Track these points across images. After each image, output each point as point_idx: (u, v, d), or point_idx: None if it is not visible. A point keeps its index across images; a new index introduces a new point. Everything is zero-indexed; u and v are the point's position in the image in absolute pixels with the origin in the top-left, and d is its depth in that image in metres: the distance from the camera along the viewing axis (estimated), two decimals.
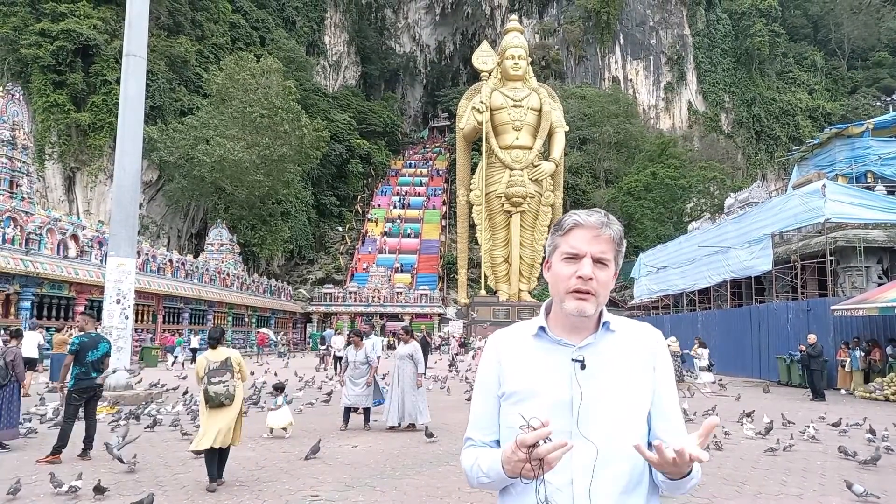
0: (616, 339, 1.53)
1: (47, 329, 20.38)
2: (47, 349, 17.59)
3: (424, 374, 11.15)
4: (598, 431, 1.42)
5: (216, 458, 6.32)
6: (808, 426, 9.49)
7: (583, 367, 1.46)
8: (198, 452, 6.57)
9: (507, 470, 1.37)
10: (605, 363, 1.48)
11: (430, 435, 8.73)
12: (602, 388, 1.45)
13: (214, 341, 6.54)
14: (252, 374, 19.63)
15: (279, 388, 9.55)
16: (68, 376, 7.54)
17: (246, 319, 40.97)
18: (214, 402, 6.16)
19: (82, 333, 7.91)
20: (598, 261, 1.48)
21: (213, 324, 35.57)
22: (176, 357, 26.21)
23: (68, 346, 7.90)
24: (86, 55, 42.22)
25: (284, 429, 9.21)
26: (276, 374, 20.00)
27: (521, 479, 1.35)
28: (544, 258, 1.64)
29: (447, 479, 6.63)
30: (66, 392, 7.53)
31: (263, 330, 40.02)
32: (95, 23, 42.61)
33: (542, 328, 1.54)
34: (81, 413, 7.73)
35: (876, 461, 7.36)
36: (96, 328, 8.42)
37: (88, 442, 7.56)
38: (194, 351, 27.50)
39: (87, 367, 7.54)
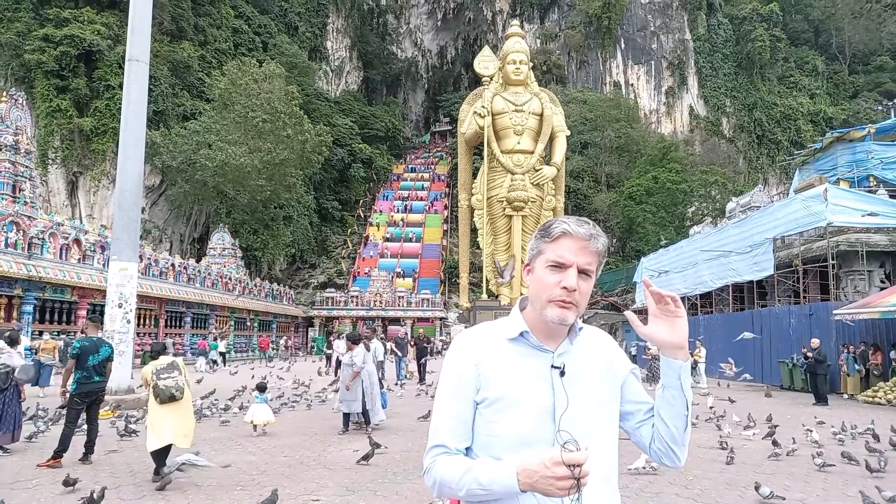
0: (582, 342, 1.56)
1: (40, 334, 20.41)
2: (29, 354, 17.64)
3: (382, 377, 11.22)
4: (579, 437, 1.39)
5: (167, 453, 6.54)
6: (812, 431, 9.47)
7: (562, 374, 1.47)
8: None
9: (525, 484, 1.30)
10: (580, 369, 1.51)
11: (376, 445, 8.01)
12: (579, 394, 1.48)
13: (157, 353, 7.06)
14: (257, 377, 19.73)
15: (261, 388, 10.18)
16: (70, 381, 7.55)
17: (248, 324, 40.99)
18: (165, 395, 6.43)
19: (84, 337, 7.91)
20: (582, 272, 1.49)
21: (215, 328, 35.73)
22: (214, 360, 27.58)
23: (70, 350, 7.88)
24: (89, 60, 42.36)
25: (255, 425, 9.66)
26: (280, 378, 20.07)
27: (537, 494, 1.33)
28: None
29: None
30: (67, 396, 7.53)
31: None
32: (98, 28, 42.76)
33: (522, 333, 1.53)
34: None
35: (884, 465, 7.33)
36: (99, 333, 8.41)
37: (89, 446, 7.55)
38: (223, 354, 29.69)
39: (88, 371, 7.53)
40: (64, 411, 7.92)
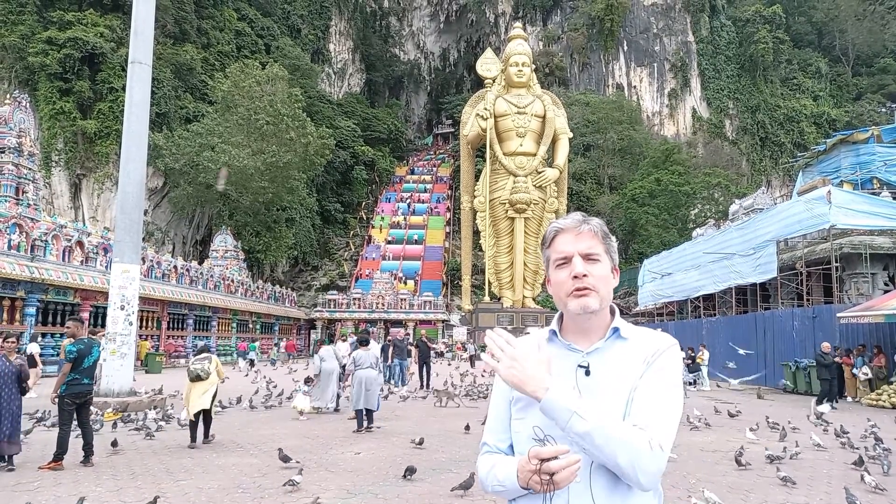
0: (627, 346, 1.51)
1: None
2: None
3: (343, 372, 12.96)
4: None
5: (198, 426, 8.86)
6: (813, 435, 9.43)
7: (587, 373, 1.47)
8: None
9: (520, 479, 1.40)
10: (611, 370, 1.47)
11: (285, 458, 7.43)
12: (603, 394, 1.44)
13: (200, 351, 9.61)
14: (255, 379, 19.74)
15: (308, 381, 12.63)
16: (61, 383, 7.46)
17: (250, 326, 41.01)
18: (192, 375, 8.85)
19: (77, 340, 7.77)
20: (587, 257, 1.51)
21: (217, 330, 35.81)
22: (252, 361, 29.95)
23: (66, 354, 7.66)
24: (92, 63, 42.50)
25: (301, 411, 11.93)
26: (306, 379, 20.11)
27: (530, 491, 1.40)
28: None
29: (450, 486, 6.60)
30: (59, 399, 7.43)
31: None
32: (102, 31, 42.91)
33: (553, 332, 1.56)
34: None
35: (888, 470, 7.30)
36: (87, 333, 8.36)
37: (88, 448, 7.51)
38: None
39: (80, 373, 7.53)
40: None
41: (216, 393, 9.21)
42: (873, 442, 8.96)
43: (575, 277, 1.49)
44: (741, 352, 20.86)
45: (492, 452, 1.57)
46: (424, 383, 18.52)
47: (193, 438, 8.75)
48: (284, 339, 45.05)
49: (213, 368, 9.07)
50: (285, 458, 7.41)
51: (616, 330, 1.52)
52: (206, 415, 9.00)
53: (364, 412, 10.47)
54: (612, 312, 1.56)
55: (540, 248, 1.62)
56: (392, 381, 18.94)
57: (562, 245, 1.53)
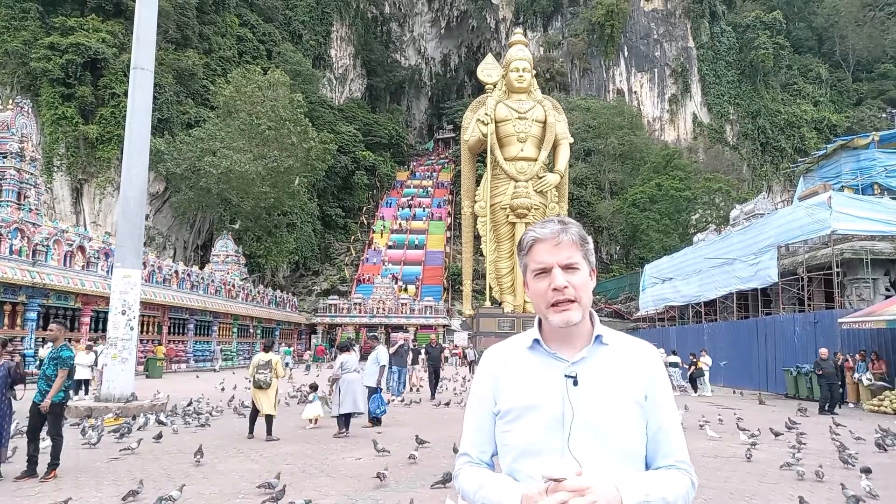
0: (610, 353, 1.51)
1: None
2: None
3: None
4: (588, 449, 1.40)
5: (256, 417, 10.26)
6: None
7: (575, 383, 1.45)
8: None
9: None
10: (598, 379, 1.46)
11: (199, 452, 7.93)
12: (594, 405, 1.43)
13: (268, 348, 10.74)
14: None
15: (314, 388, 12.32)
16: (57, 391, 7.16)
17: (251, 331, 40.99)
18: (256, 384, 10.11)
19: (64, 346, 7.40)
20: (567, 267, 1.48)
21: (217, 335, 35.82)
22: (287, 364, 30.45)
23: (65, 361, 7.27)
24: (94, 68, 42.65)
25: (312, 419, 11.56)
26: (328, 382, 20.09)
27: None
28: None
29: (451, 491, 6.58)
30: (56, 407, 7.17)
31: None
32: (104, 36, 43.08)
33: (536, 340, 1.53)
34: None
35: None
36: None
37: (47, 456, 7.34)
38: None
39: (71, 379, 7.49)
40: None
41: (275, 394, 10.32)
42: (873, 447, 8.95)
43: (555, 290, 1.47)
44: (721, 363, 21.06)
45: (474, 464, 1.55)
46: (433, 392, 17.04)
47: (251, 430, 10.29)
48: (292, 344, 45.02)
49: (273, 374, 10.11)
50: (200, 453, 7.96)
51: (598, 337, 1.52)
52: (266, 416, 10.15)
53: (345, 417, 10.52)
54: (592, 318, 1.55)
55: (517, 251, 1.58)
56: (386, 388, 17.87)
57: (540, 255, 1.50)
